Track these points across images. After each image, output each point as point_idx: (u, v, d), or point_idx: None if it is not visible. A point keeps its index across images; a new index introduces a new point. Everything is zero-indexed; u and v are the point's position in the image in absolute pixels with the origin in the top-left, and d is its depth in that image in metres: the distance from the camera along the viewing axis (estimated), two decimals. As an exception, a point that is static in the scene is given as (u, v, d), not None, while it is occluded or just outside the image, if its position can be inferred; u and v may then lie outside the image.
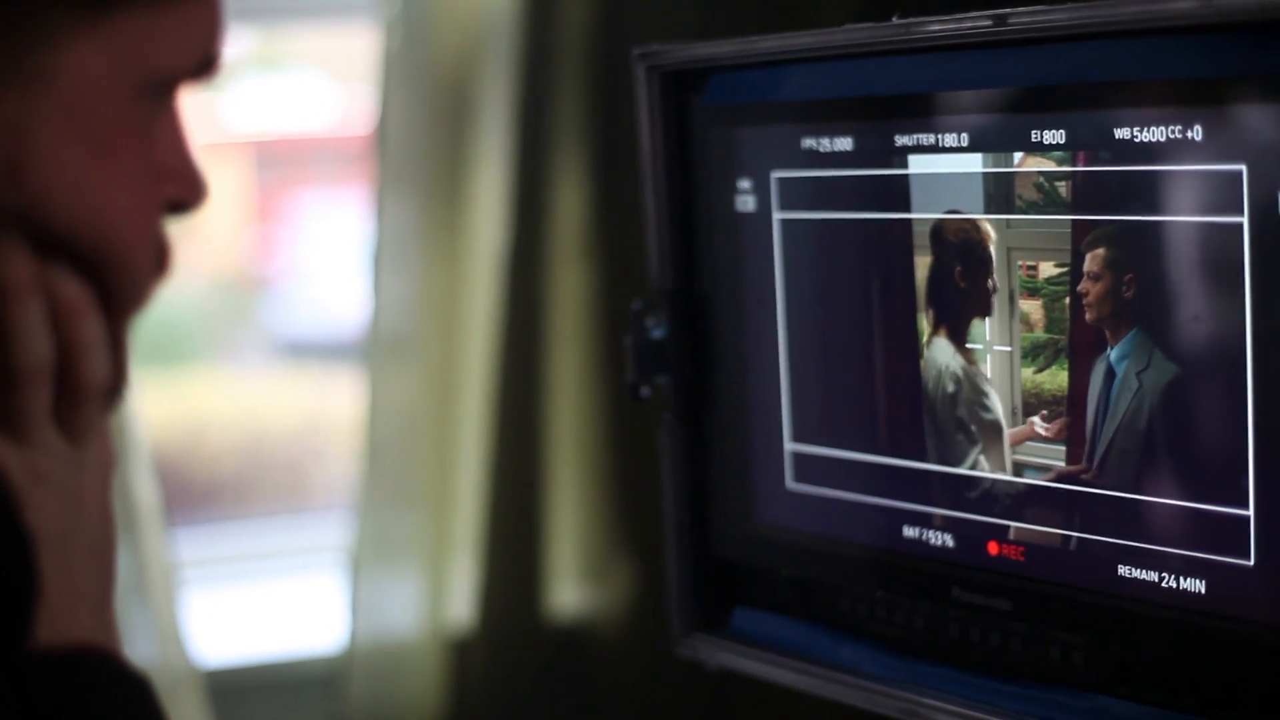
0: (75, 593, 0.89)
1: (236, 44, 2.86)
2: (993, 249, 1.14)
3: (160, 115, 0.91)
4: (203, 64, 0.91)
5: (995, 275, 1.14)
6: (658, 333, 1.33)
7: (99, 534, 0.92)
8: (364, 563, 2.31)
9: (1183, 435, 1.06)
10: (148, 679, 0.91)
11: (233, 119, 2.89)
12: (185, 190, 0.94)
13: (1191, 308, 1.04)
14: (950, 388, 1.18)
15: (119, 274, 0.90)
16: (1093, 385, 1.10)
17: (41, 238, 0.87)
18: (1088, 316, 1.09)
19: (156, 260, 0.92)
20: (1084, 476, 1.11)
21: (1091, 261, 1.08)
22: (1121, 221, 1.07)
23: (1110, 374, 1.09)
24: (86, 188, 0.87)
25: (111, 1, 0.86)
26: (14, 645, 0.84)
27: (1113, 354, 1.08)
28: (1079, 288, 1.09)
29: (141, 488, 2.14)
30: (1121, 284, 1.07)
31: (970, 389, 1.17)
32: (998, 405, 1.15)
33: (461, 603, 2.34)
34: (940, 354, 1.18)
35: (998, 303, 1.14)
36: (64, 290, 0.89)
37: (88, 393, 0.91)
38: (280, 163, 3.08)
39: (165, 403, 2.77)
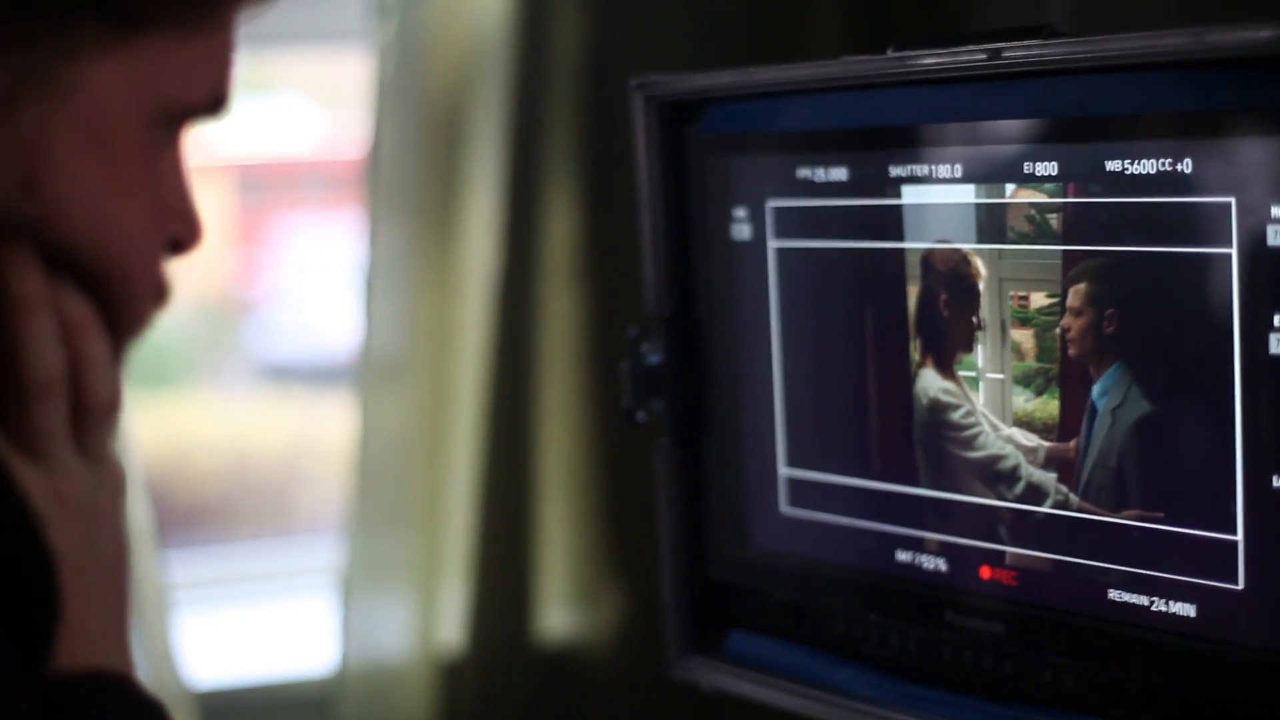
0: (93, 616, 0.90)
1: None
2: (984, 279, 1.15)
3: (168, 151, 0.93)
4: (213, 101, 0.93)
5: (987, 305, 1.15)
6: (654, 358, 1.34)
7: (115, 557, 0.93)
8: (355, 585, 2.31)
9: (1170, 462, 1.07)
10: (163, 705, 0.92)
11: (218, 142, 2.89)
12: (185, 230, 0.95)
13: (1177, 340, 1.05)
14: (943, 414, 1.19)
15: (122, 295, 0.92)
16: (1082, 415, 1.11)
17: (51, 253, 0.89)
18: (1070, 352, 1.11)
19: (156, 292, 0.94)
20: (1073, 503, 1.12)
21: (1074, 297, 1.10)
22: (1107, 253, 1.08)
23: (1093, 409, 1.10)
24: (99, 204, 0.89)
25: (139, 25, 0.87)
26: (34, 667, 0.85)
27: (1095, 389, 1.10)
28: (1062, 323, 1.11)
29: (133, 509, 2.14)
30: (1103, 319, 1.09)
31: (963, 416, 1.18)
32: (990, 432, 1.17)
33: (453, 625, 2.34)
34: (933, 381, 1.20)
35: (990, 331, 1.16)
36: (71, 308, 0.90)
37: (96, 409, 0.92)
38: (265, 186, 3.09)
39: (150, 425, 2.77)
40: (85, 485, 0.91)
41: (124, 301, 0.92)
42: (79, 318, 0.91)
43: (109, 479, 0.94)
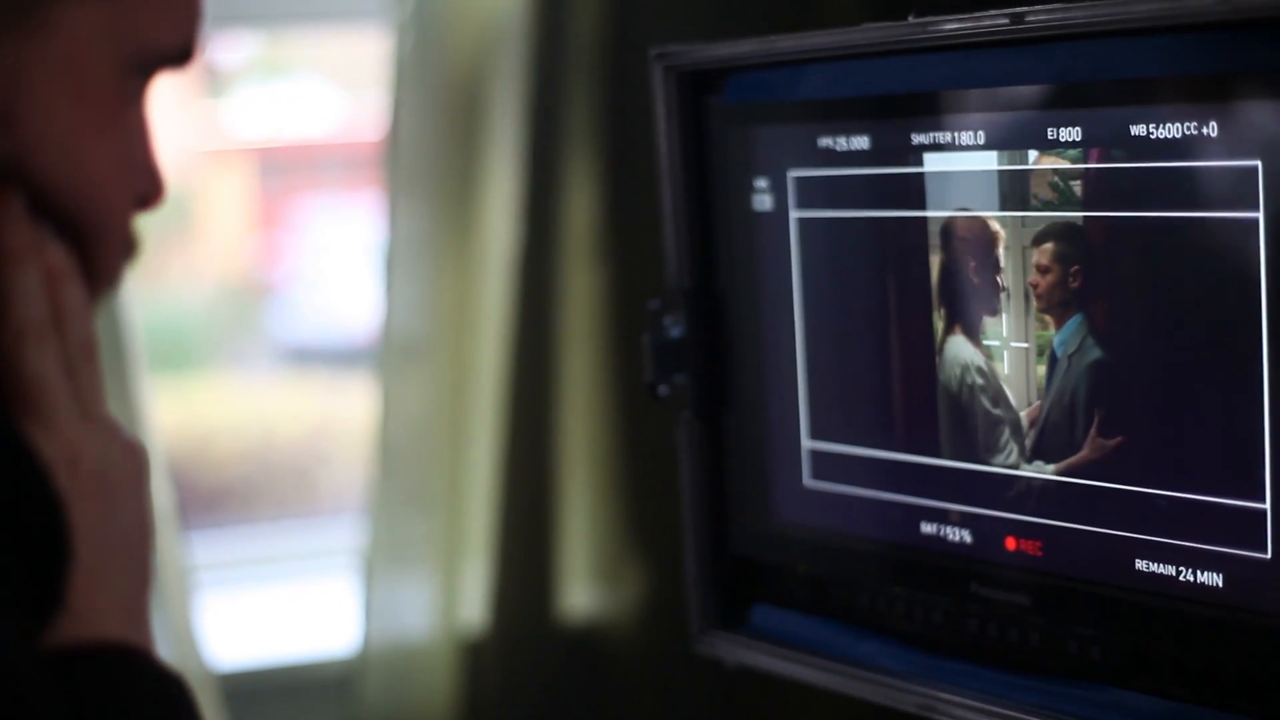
0: (111, 591, 0.90)
1: (240, 50, 2.86)
2: (1006, 246, 1.15)
3: (135, 104, 0.94)
4: (183, 50, 0.95)
5: (1010, 273, 1.15)
6: (675, 332, 1.33)
7: (134, 532, 0.93)
8: (377, 566, 2.31)
9: (1197, 431, 1.06)
10: (182, 678, 0.91)
11: (237, 125, 2.89)
12: (150, 186, 0.97)
13: (1203, 307, 1.05)
14: (967, 384, 1.19)
15: (96, 242, 0.94)
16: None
17: (31, 196, 0.90)
18: (1098, 322, 1.10)
19: (126, 244, 0.95)
20: (1102, 470, 1.11)
21: (1106, 264, 1.09)
22: (1131, 219, 1.07)
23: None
24: (74, 145, 0.91)
25: None
26: (49, 610, 0.85)
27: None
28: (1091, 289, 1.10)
29: (155, 494, 2.14)
30: (1128, 287, 1.08)
31: (987, 385, 1.17)
32: (1014, 401, 1.16)
33: (475, 605, 2.34)
34: (956, 351, 1.19)
35: (1013, 300, 1.15)
36: (52, 256, 0.92)
37: (80, 355, 0.93)
38: (285, 169, 3.09)
39: (171, 408, 2.77)
40: (96, 451, 0.91)
41: (98, 249, 0.94)
42: (59, 266, 0.92)
43: (127, 452, 0.94)
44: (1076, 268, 1.10)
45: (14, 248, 0.90)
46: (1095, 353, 1.10)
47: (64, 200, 0.91)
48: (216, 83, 2.87)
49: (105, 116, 0.92)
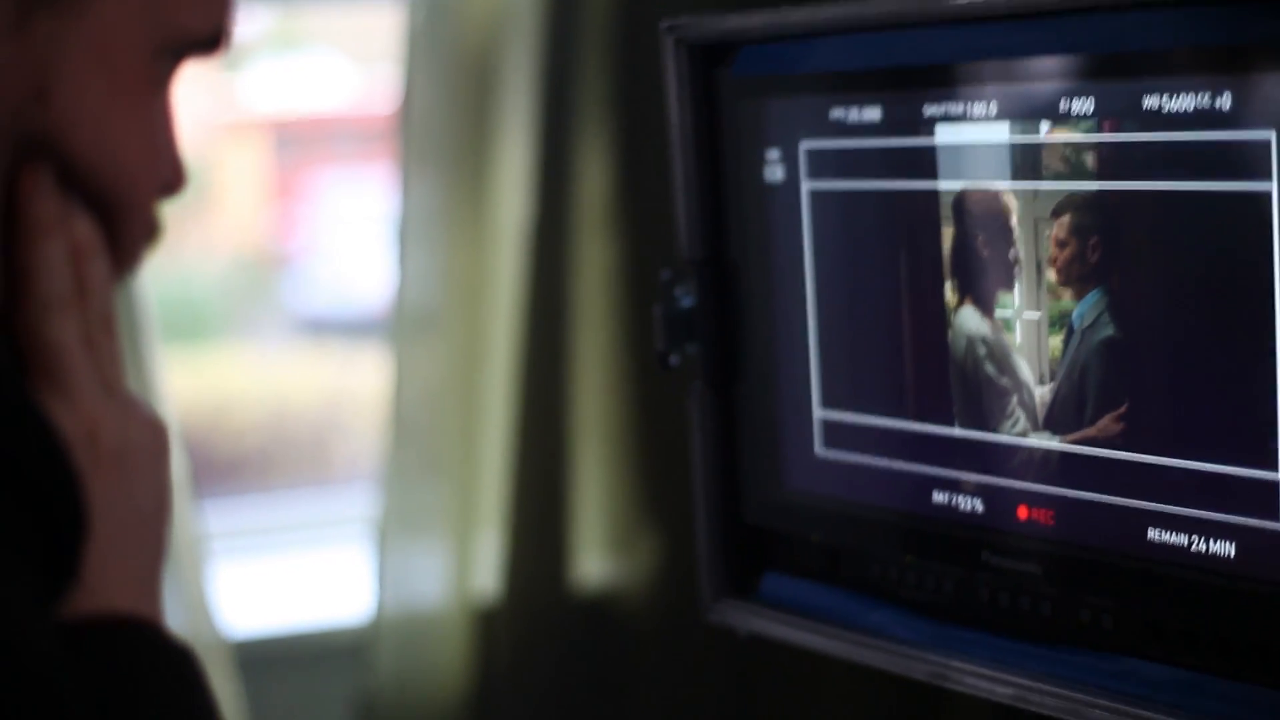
0: (120, 563, 0.90)
1: (255, 23, 2.86)
2: (1018, 218, 1.15)
3: (164, 87, 0.94)
4: (214, 36, 0.95)
5: (1021, 244, 1.15)
6: (687, 301, 1.33)
7: (151, 508, 0.93)
8: (391, 535, 2.32)
9: (1210, 400, 1.07)
10: (192, 650, 0.92)
11: (252, 98, 2.89)
12: (173, 173, 0.97)
13: (1215, 278, 1.05)
14: (979, 354, 1.19)
15: (123, 221, 0.94)
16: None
17: (62, 172, 0.91)
18: (1112, 290, 1.10)
19: (149, 228, 0.95)
20: (1110, 441, 1.11)
21: (1124, 236, 1.09)
22: (1144, 191, 1.07)
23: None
24: (105, 125, 0.91)
25: None
26: (63, 584, 0.86)
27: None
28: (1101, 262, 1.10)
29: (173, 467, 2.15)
30: (1141, 256, 1.08)
31: (999, 355, 1.18)
32: (1026, 371, 1.16)
33: (488, 573, 2.35)
34: (969, 321, 1.19)
35: (1025, 271, 1.15)
36: (80, 230, 0.92)
37: (100, 330, 0.93)
38: (299, 142, 3.09)
39: (187, 379, 2.78)
40: (115, 426, 0.91)
41: (122, 228, 0.94)
42: (86, 240, 0.92)
43: (147, 428, 0.94)
44: (1095, 239, 1.10)
45: (42, 220, 0.90)
46: (1111, 324, 1.10)
47: (92, 177, 0.92)
48: (232, 56, 2.88)
49: (135, 98, 0.92)
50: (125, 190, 0.93)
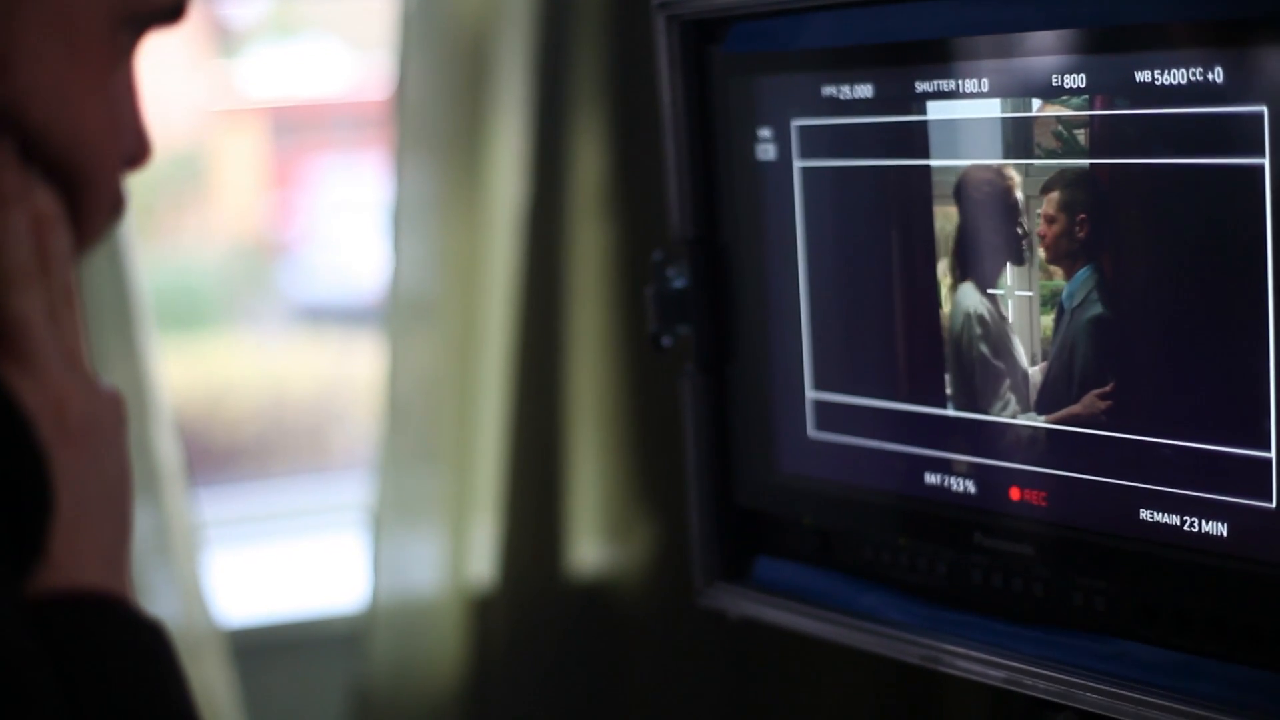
0: (87, 538, 0.90)
1: (252, 10, 2.86)
2: (1011, 195, 1.14)
3: (126, 59, 0.94)
4: (175, 6, 0.95)
5: (1014, 222, 1.14)
6: (679, 282, 1.33)
7: (114, 482, 0.92)
8: (386, 522, 2.31)
9: (1201, 379, 1.06)
10: (161, 625, 0.91)
11: (249, 85, 2.89)
12: (138, 145, 0.97)
13: (1206, 253, 1.04)
14: (970, 334, 1.18)
15: (85, 194, 0.94)
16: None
17: (23, 143, 0.90)
18: (1105, 271, 1.09)
19: (114, 202, 0.95)
20: (1102, 421, 1.11)
21: (1113, 213, 1.09)
22: (1134, 166, 1.07)
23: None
24: (66, 96, 0.91)
25: None
26: (28, 560, 0.85)
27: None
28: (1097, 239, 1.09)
29: (163, 448, 2.14)
30: (1131, 231, 1.08)
31: (991, 335, 1.17)
32: (1019, 350, 1.15)
33: (483, 561, 2.35)
34: (960, 301, 1.18)
35: (1016, 250, 1.14)
36: (41, 202, 0.92)
37: (61, 303, 0.92)
38: (297, 128, 3.09)
39: (184, 367, 2.77)
40: (82, 401, 0.91)
41: (85, 201, 0.94)
42: (48, 211, 0.92)
43: (109, 405, 0.94)
44: (1083, 216, 1.09)
45: (3, 192, 0.90)
46: (1100, 303, 1.10)
47: (54, 149, 0.91)
48: (229, 43, 2.87)
49: (96, 69, 0.92)
50: (87, 162, 0.92)
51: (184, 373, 2.73)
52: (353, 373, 2.85)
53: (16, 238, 0.91)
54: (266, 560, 2.60)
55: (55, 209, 0.92)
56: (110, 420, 0.93)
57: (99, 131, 0.92)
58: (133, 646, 0.88)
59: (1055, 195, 1.10)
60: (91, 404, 0.91)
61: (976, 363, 1.18)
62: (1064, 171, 1.10)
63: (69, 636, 0.86)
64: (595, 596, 2.37)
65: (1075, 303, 1.11)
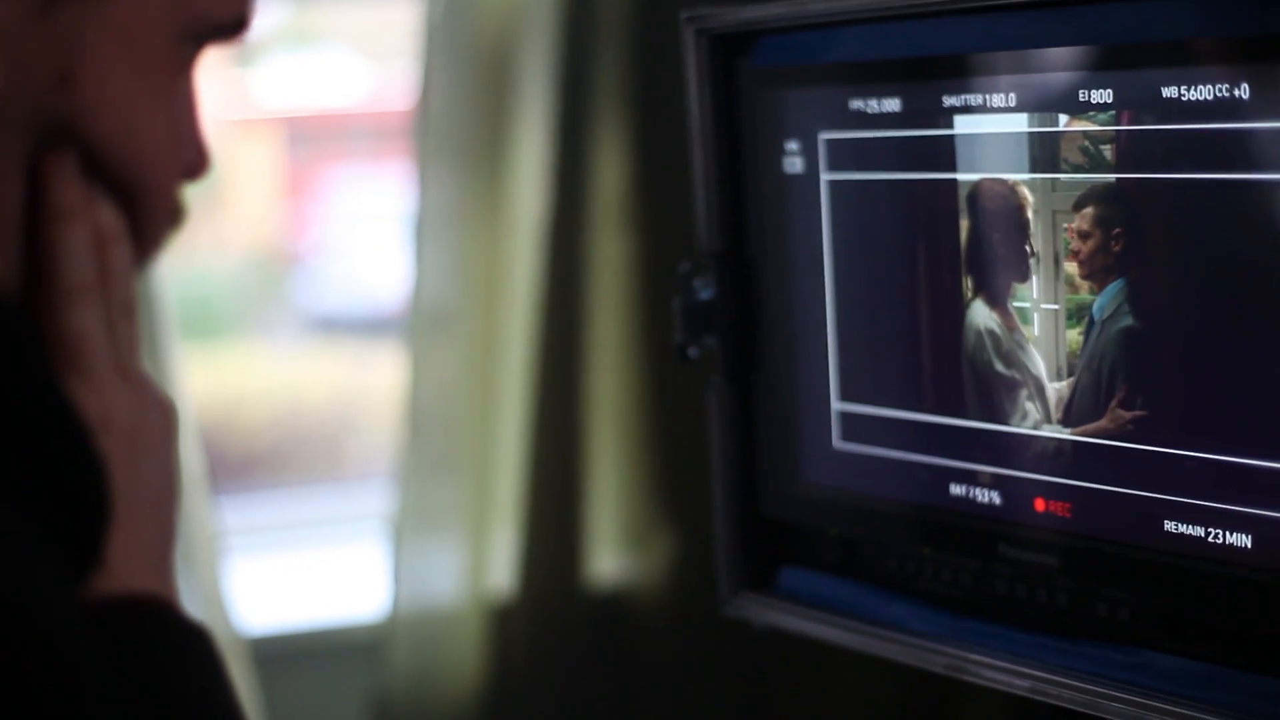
0: (134, 543, 0.90)
1: (268, 19, 2.87)
2: (1036, 210, 1.15)
3: (187, 72, 0.94)
4: (237, 21, 0.96)
5: (1040, 236, 1.15)
6: (705, 294, 1.34)
7: (161, 488, 0.93)
8: (406, 531, 2.32)
9: (1227, 392, 1.06)
10: (207, 630, 0.92)
11: (264, 95, 2.90)
12: (197, 156, 0.98)
13: (1235, 269, 1.04)
14: (997, 346, 1.19)
15: (146, 207, 0.94)
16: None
17: (85, 157, 0.91)
18: (1131, 283, 1.10)
19: (173, 213, 0.96)
20: (1126, 434, 1.11)
21: (1146, 227, 1.09)
22: (1161, 181, 1.07)
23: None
24: (129, 110, 0.91)
25: None
26: (88, 570, 0.86)
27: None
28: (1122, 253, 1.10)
29: (185, 456, 2.15)
30: (1160, 248, 1.08)
31: (1016, 348, 1.17)
32: (1042, 364, 1.16)
33: (503, 570, 2.35)
34: (986, 313, 1.19)
35: (1043, 263, 1.15)
36: (104, 217, 0.92)
37: (120, 315, 0.93)
38: (312, 138, 3.09)
39: (201, 376, 2.78)
40: (129, 409, 0.92)
41: (145, 214, 0.94)
42: (109, 227, 0.93)
43: (157, 409, 0.95)
44: (1118, 231, 1.10)
45: (66, 206, 0.91)
46: (1131, 314, 1.10)
47: (116, 163, 0.92)
48: (245, 52, 2.88)
49: (159, 83, 0.92)
50: (148, 175, 0.93)
51: (200, 382, 2.74)
52: (367, 383, 2.86)
53: (78, 253, 0.91)
54: (287, 569, 2.61)
55: (117, 224, 0.93)
56: (158, 426, 0.94)
57: (161, 144, 0.93)
58: (183, 651, 0.89)
59: (1089, 211, 1.11)
60: (137, 411, 0.92)
61: (1001, 375, 1.19)
62: (1095, 187, 1.11)
63: (122, 640, 0.87)
64: (615, 607, 2.37)
65: (1106, 314, 1.11)
